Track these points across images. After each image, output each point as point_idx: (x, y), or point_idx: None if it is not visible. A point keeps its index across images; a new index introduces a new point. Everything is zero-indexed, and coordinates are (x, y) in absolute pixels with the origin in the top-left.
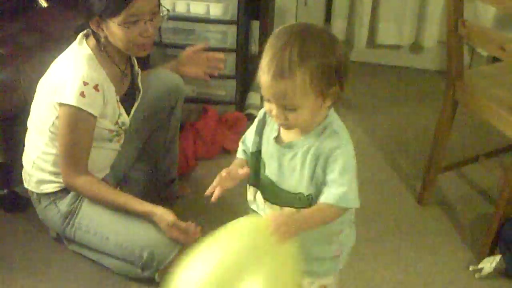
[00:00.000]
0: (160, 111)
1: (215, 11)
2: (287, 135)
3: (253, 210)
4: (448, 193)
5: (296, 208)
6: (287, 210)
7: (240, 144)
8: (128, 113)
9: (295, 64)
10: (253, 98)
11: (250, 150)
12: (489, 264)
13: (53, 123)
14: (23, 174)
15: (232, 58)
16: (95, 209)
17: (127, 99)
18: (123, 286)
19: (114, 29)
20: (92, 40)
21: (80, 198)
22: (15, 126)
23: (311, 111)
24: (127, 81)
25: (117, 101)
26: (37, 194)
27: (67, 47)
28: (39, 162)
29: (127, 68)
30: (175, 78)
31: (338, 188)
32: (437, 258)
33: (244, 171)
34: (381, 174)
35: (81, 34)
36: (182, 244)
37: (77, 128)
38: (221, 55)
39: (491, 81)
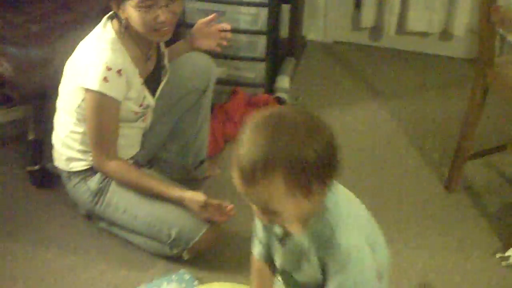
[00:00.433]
0: (192, 93)
1: None
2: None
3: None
4: (476, 181)
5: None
6: None
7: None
8: (153, 94)
9: (261, 170)
10: (282, 81)
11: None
12: None
13: (79, 105)
14: (53, 152)
15: (262, 40)
16: (124, 187)
17: (152, 80)
18: (151, 264)
19: (131, 12)
20: (116, 23)
21: None
22: (47, 104)
23: (297, 212)
24: (152, 62)
25: (141, 83)
26: (67, 172)
27: None
28: (67, 140)
29: (151, 49)
30: (206, 60)
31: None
32: (463, 245)
33: None
34: (408, 160)
35: (106, 17)
36: (210, 222)
37: (102, 113)
38: (228, 26)
39: None
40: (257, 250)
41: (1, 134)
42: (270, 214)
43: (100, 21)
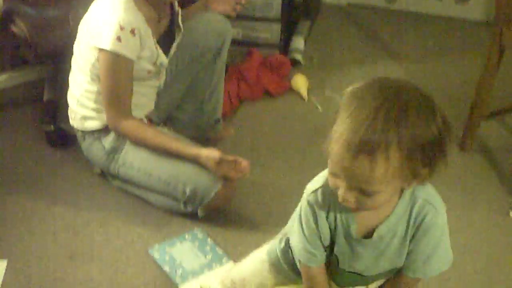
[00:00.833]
0: (207, 52)
1: None
2: (363, 219)
3: None
4: (491, 141)
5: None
6: None
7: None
8: (167, 53)
9: (391, 139)
10: (297, 42)
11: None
12: None
13: (93, 64)
14: (68, 112)
15: (277, 1)
16: (139, 146)
17: (166, 39)
18: (166, 221)
19: None
20: None
21: None
22: (62, 64)
23: (392, 194)
24: (166, 21)
25: (154, 43)
26: (82, 131)
27: None
28: (82, 99)
29: (164, 9)
30: (222, 20)
31: (437, 264)
32: (477, 203)
33: None
34: None
35: None
36: (225, 179)
37: (116, 72)
38: None
39: None
40: (310, 257)
41: (16, 95)
42: (361, 195)
43: None
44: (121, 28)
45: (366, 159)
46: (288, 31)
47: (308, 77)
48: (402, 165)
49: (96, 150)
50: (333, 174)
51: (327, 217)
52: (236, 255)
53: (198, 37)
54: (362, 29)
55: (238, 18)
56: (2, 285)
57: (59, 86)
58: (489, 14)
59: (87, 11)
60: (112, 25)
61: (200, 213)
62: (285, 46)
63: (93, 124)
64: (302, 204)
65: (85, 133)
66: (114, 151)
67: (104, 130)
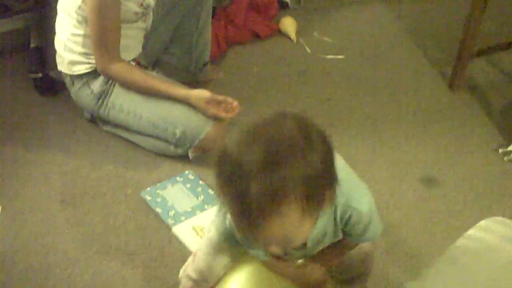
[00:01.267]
0: None
1: None
2: None
3: None
4: (479, 80)
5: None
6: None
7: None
8: None
9: (273, 202)
10: None
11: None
12: None
13: (79, 6)
14: (56, 58)
15: None
16: (128, 89)
17: None
18: (157, 164)
19: None
20: None
21: None
22: (48, 10)
23: (313, 226)
24: None
25: None
26: (70, 76)
27: None
28: (69, 44)
29: None
30: None
31: (366, 236)
32: (467, 141)
33: None
34: (412, 60)
35: None
36: (215, 120)
37: (104, 14)
38: None
39: None
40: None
41: (2, 44)
42: (285, 245)
43: None
44: None
45: (262, 224)
46: None
47: (296, 19)
48: (303, 208)
49: (85, 94)
50: (242, 241)
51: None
52: None
53: None
54: None
55: None
56: None
57: (45, 33)
58: None
59: None
60: None
61: (190, 155)
62: None
63: (81, 68)
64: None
65: (73, 78)
66: (103, 95)
67: (93, 74)
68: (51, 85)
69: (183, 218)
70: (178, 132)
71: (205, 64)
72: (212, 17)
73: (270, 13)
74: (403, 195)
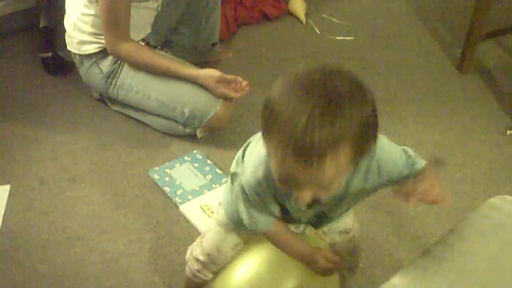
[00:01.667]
0: None
1: None
2: None
3: None
4: (488, 62)
5: None
6: None
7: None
8: None
9: (334, 137)
10: None
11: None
12: None
13: None
14: (66, 37)
15: None
16: (137, 68)
17: None
18: (165, 143)
19: None
20: None
21: None
22: None
23: (348, 175)
24: None
25: None
26: (80, 55)
27: None
28: (79, 23)
29: None
30: None
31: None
32: (475, 123)
33: None
34: (422, 42)
35: None
36: (224, 99)
37: None
38: None
39: None
40: (264, 225)
41: (13, 23)
42: (321, 190)
43: None
44: None
45: (316, 163)
46: None
47: (305, 0)
48: (352, 154)
49: (94, 74)
50: (281, 181)
51: (275, 198)
52: None
53: None
54: None
55: None
56: (6, 208)
57: (55, 12)
58: None
59: None
60: None
61: (199, 134)
62: None
63: (91, 48)
64: (247, 192)
65: (82, 57)
66: (112, 74)
67: (102, 54)
68: (61, 64)
69: (190, 197)
70: (186, 111)
71: (214, 45)
72: None
73: None
74: None
